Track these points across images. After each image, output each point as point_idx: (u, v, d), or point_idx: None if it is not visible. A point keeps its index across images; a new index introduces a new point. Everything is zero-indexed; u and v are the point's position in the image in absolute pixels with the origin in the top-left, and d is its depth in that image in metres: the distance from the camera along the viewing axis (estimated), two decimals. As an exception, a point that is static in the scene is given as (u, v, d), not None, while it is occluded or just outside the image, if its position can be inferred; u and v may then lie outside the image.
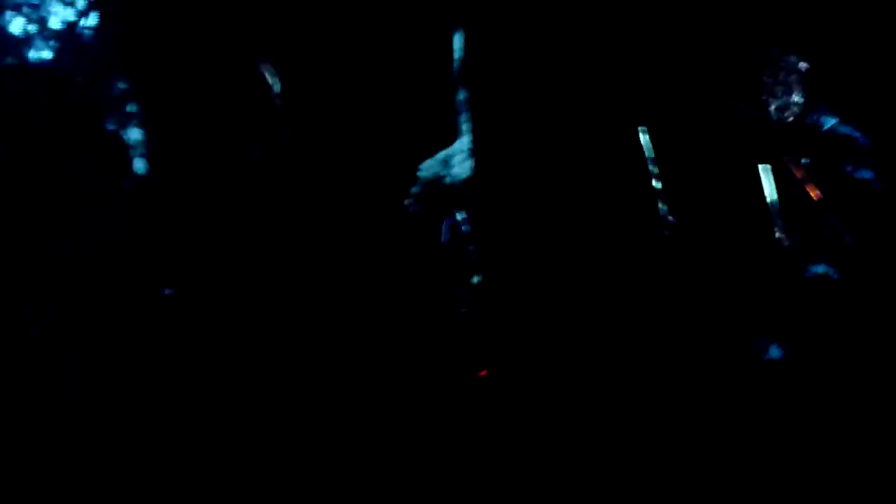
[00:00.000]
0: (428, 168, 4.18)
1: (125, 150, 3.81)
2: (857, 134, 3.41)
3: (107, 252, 3.80)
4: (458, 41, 4.14)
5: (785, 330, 3.43)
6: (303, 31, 4.19)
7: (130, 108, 3.76)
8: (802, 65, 3.39)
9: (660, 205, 3.59)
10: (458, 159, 4.17)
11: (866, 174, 3.38)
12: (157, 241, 3.91)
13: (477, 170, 4.15)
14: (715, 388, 3.57)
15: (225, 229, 4.01)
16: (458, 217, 4.13)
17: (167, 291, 3.74)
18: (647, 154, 3.50)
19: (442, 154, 4.16)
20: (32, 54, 3.81)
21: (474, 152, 4.14)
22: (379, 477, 3.74)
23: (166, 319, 3.87)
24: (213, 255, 4.01)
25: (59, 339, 3.68)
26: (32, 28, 3.79)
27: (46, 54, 3.80)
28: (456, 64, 4.15)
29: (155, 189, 3.93)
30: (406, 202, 4.17)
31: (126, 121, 3.78)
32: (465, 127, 4.14)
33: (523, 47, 4.15)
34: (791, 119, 3.43)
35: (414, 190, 4.15)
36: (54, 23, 3.77)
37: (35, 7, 3.79)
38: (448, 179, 4.17)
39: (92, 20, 3.81)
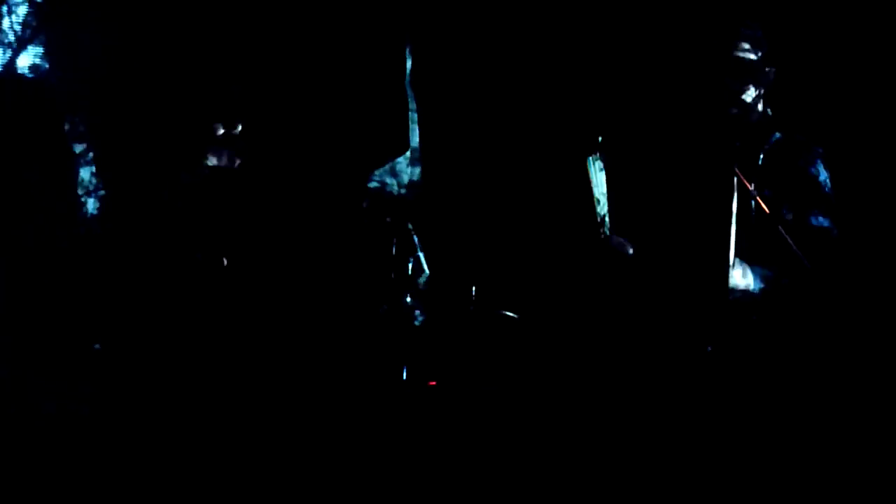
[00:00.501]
0: (375, 177, 4.12)
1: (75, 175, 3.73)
2: (814, 151, 3.41)
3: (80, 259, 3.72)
4: (407, 51, 4.08)
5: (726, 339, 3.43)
6: (253, 45, 4.11)
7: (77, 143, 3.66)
8: (769, 74, 3.36)
9: (606, 213, 3.56)
10: (404, 167, 4.11)
11: (813, 190, 3.40)
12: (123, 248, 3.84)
13: (424, 177, 4.11)
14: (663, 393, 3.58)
15: (181, 238, 3.94)
16: (407, 226, 4.08)
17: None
18: (595, 174, 3.45)
19: (389, 164, 4.11)
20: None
21: (421, 160, 4.09)
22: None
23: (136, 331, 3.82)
24: (171, 267, 3.94)
25: (35, 346, 3.61)
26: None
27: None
28: (406, 73, 4.10)
29: (118, 197, 3.85)
30: (354, 212, 4.12)
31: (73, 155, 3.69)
32: (413, 135, 4.09)
33: (472, 57, 4.10)
34: (747, 131, 3.41)
35: (363, 201, 4.10)
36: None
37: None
38: (395, 188, 4.12)
39: (26, 60, 3.70)
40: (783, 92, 3.49)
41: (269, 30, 4.11)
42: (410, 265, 4.05)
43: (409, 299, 4.04)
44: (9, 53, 3.66)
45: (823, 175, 3.39)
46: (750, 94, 3.39)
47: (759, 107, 3.40)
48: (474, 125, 4.20)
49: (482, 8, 4.12)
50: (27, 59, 3.74)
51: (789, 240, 3.28)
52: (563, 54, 4.13)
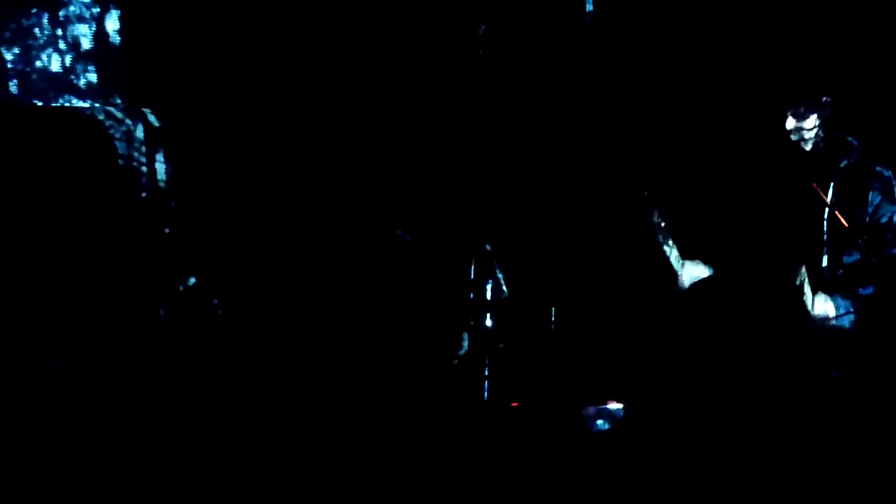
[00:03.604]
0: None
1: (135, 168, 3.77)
2: (883, 170, 3.39)
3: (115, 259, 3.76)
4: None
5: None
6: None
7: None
8: (826, 98, 3.36)
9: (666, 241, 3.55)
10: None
11: (888, 211, 3.38)
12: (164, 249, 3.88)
13: (500, 202, 4.16)
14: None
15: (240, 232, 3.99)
16: (486, 247, 4.13)
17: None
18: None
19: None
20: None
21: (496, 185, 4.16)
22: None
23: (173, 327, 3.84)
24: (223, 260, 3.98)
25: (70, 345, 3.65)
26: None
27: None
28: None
29: (163, 200, 3.90)
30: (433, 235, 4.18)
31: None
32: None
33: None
34: (818, 148, 3.40)
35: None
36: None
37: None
38: None
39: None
40: (849, 116, 3.49)
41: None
42: (490, 286, 4.09)
43: (489, 320, 4.08)
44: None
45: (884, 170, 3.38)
46: (810, 121, 3.39)
47: (822, 131, 3.39)
48: (550, 147, 4.26)
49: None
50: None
51: (868, 252, 3.26)
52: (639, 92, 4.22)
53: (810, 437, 3.29)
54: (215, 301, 3.54)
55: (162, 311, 3.42)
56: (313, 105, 4.12)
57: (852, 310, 3.30)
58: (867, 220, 3.37)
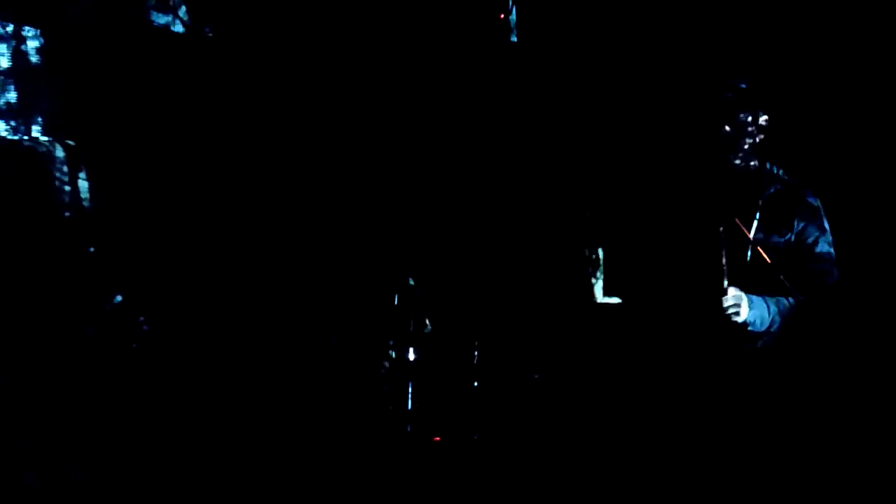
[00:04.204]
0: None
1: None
2: (811, 198, 3.45)
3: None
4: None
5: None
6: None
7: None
8: (761, 125, 3.42)
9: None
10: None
11: (813, 235, 3.43)
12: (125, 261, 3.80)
13: (425, 236, 4.18)
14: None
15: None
16: (409, 281, 4.12)
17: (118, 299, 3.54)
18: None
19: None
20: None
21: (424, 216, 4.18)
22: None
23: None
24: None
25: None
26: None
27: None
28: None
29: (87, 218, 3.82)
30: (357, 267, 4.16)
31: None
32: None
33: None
34: (746, 175, 3.46)
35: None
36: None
37: None
38: None
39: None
40: (778, 143, 3.56)
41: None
42: (412, 320, 4.07)
43: (411, 354, 4.05)
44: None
45: (823, 227, 3.44)
46: (741, 146, 3.45)
47: (752, 158, 3.45)
48: (473, 181, 4.29)
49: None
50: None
51: (790, 287, 3.32)
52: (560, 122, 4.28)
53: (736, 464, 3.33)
54: (141, 318, 3.46)
55: (90, 330, 3.33)
56: (233, 126, 4.10)
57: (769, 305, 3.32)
58: (792, 242, 3.40)
